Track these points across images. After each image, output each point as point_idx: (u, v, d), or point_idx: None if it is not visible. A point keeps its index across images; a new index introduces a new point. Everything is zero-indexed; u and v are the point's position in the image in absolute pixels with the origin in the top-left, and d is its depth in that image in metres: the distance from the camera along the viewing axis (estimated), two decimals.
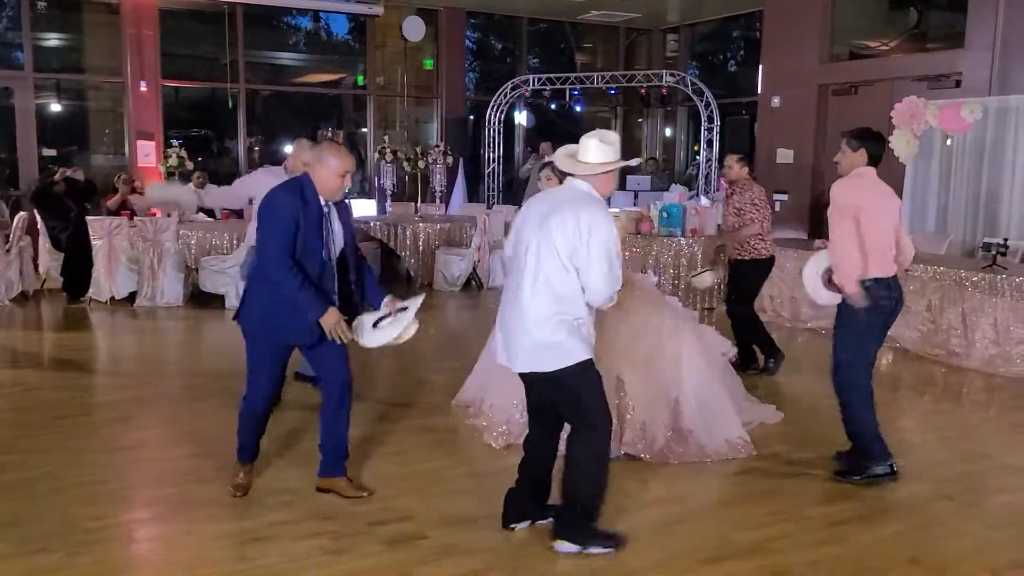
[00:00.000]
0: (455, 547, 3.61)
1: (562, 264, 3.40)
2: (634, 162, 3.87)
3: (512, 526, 3.76)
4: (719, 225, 8.08)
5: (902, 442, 5.08)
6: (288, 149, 14.63)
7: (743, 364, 6.44)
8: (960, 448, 5.07)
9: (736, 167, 6.54)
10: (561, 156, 3.62)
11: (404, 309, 3.92)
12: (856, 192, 4.34)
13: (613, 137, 3.58)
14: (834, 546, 3.70)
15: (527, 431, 3.84)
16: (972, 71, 9.45)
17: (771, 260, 6.58)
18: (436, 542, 3.65)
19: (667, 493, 4.28)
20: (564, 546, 3.58)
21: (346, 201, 4.02)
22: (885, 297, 4.32)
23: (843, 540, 3.75)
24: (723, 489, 4.32)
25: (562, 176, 3.79)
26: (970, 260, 7.91)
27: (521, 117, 14.56)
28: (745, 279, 6.59)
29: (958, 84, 9.59)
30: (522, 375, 3.63)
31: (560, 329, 3.42)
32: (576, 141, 3.63)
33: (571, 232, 3.38)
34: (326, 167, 3.78)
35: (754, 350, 6.65)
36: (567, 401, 3.54)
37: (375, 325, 3.91)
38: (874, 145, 4.48)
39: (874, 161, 4.48)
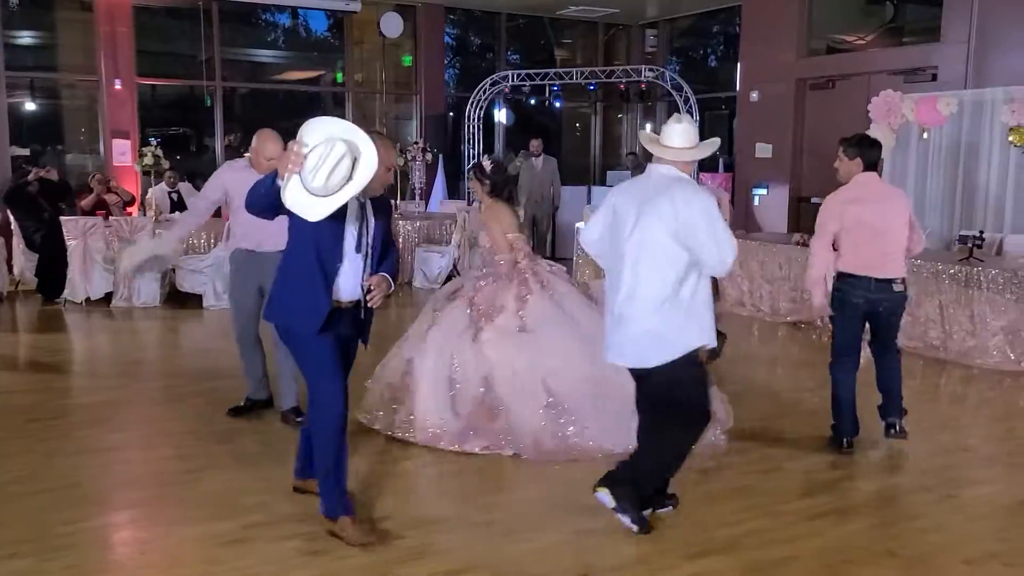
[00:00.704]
0: (432, 547, 3.59)
1: (671, 251, 3.44)
2: (715, 143, 3.82)
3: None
4: None
5: (879, 434, 5.10)
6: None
7: None
8: (938, 440, 5.10)
9: None
10: (648, 141, 3.67)
11: None
12: (837, 207, 4.67)
13: (691, 120, 3.69)
14: (811, 540, 3.70)
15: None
16: (948, 65, 9.51)
17: None
18: (414, 542, 3.62)
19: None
20: (604, 496, 3.65)
21: (385, 195, 3.76)
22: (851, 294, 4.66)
23: (820, 534, 3.76)
24: (701, 485, 4.32)
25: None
26: (947, 253, 7.96)
27: (501, 115, 14.53)
28: None
29: (934, 78, 9.65)
30: (633, 368, 3.66)
31: (675, 316, 3.48)
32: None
33: (671, 214, 3.44)
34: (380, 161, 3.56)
35: None
36: (674, 390, 3.58)
37: None
38: (869, 152, 4.71)
39: (871, 167, 4.70)
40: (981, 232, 7.42)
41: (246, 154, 5.08)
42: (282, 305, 3.59)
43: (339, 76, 14.25)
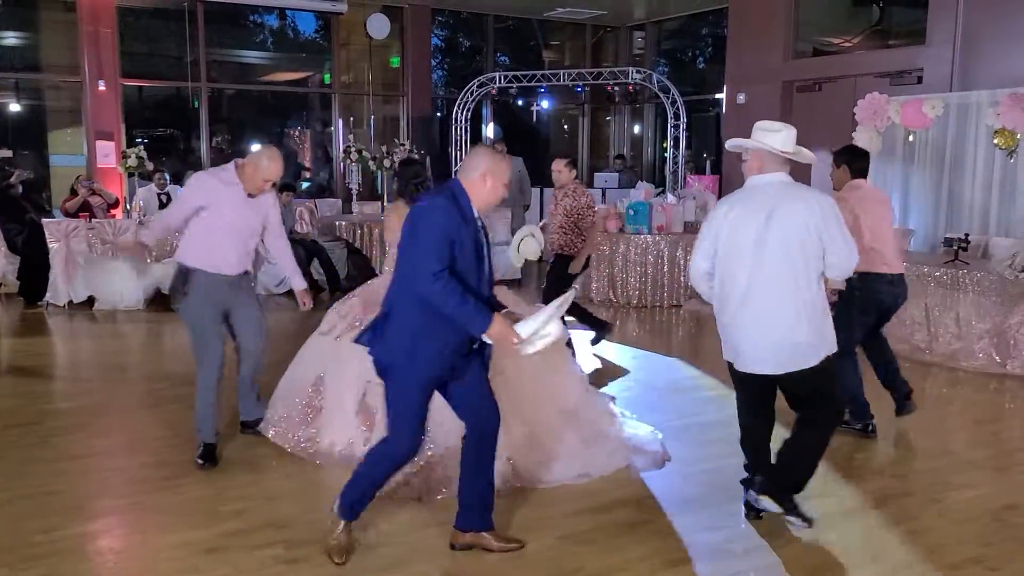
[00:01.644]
0: (413, 555, 3.55)
1: (810, 251, 3.48)
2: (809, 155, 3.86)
3: (761, 514, 3.85)
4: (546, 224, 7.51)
5: (865, 437, 5.09)
6: (256, 147, 14.62)
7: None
8: (922, 444, 5.09)
9: (565, 171, 6.72)
10: (759, 148, 3.65)
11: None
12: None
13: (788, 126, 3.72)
14: (794, 546, 3.68)
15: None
16: (933, 67, 9.54)
17: (588, 258, 6.92)
18: (394, 550, 3.58)
19: (630, 493, 4.24)
20: (769, 504, 3.76)
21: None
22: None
23: (804, 539, 3.73)
24: (683, 491, 4.29)
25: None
26: (932, 255, 7.97)
27: (488, 129, 14.49)
28: (563, 270, 6.72)
29: (920, 80, 9.68)
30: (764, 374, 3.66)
31: (815, 320, 3.53)
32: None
33: (803, 220, 3.47)
34: (498, 176, 3.29)
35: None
36: (819, 390, 3.64)
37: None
38: (853, 159, 5.00)
39: (859, 174, 4.99)
40: (967, 235, 7.43)
41: (239, 161, 4.49)
42: (403, 346, 3.25)
43: (327, 77, 14.21)
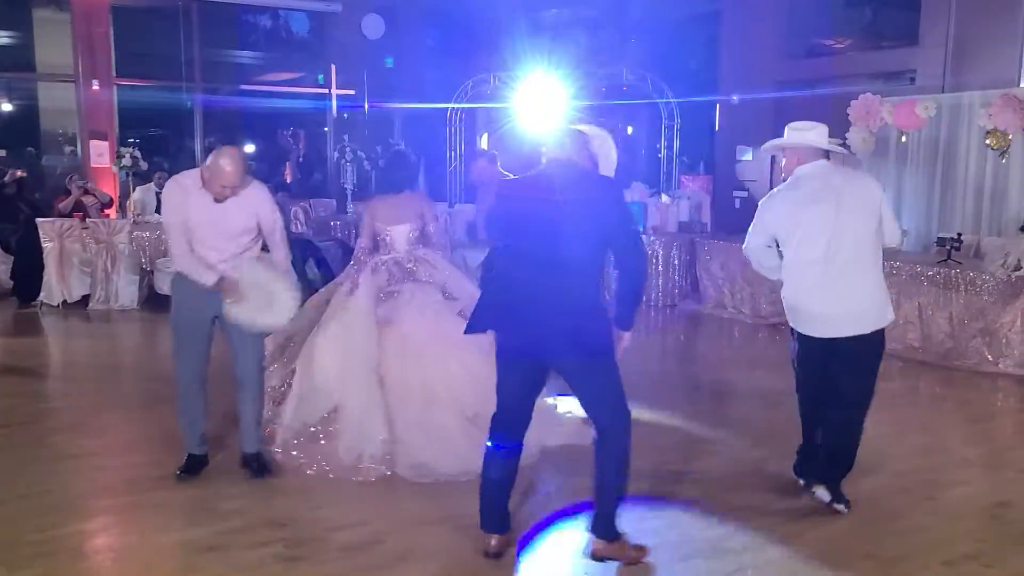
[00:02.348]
0: (412, 551, 3.56)
1: (874, 227, 3.90)
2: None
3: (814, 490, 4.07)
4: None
5: None
6: (249, 148, 14.60)
7: None
8: (916, 442, 5.12)
9: (488, 166, 6.65)
10: (814, 142, 4.00)
11: None
12: None
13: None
14: (790, 542, 3.70)
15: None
16: (926, 68, 9.58)
17: None
18: (393, 546, 3.59)
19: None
20: (824, 493, 3.98)
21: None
22: None
23: (799, 536, 3.76)
24: (681, 487, 4.31)
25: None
26: (925, 255, 8.01)
27: (483, 140, 14.47)
28: None
29: (912, 81, 9.72)
30: (834, 341, 3.90)
31: (880, 286, 3.95)
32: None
33: (869, 199, 3.92)
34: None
35: None
36: (871, 363, 3.95)
37: None
38: None
39: None
40: (959, 234, 7.47)
41: (203, 166, 4.20)
42: (604, 328, 3.36)
43: (320, 78, 14.19)
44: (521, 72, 13.17)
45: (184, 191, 4.16)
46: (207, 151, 12.86)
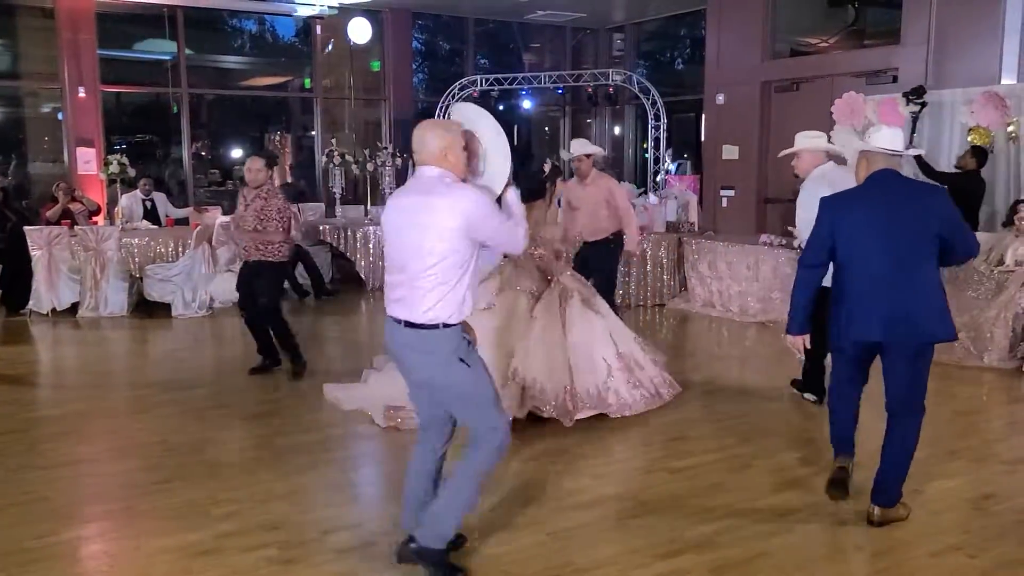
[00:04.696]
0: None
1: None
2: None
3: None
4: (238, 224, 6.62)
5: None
6: (237, 153, 14.57)
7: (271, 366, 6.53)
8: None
9: (263, 172, 6.35)
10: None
11: None
12: None
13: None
14: (782, 537, 3.75)
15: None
16: (908, 66, 9.68)
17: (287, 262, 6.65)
18: (387, 549, 3.61)
19: (618, 489, 4.30)
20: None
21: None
22: None
23: (790, 531, 3.81)
24: (673, 483, 4.36)
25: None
26: None
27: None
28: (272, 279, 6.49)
29: (895, 79, 9.81)
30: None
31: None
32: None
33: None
34: None
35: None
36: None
37: None
38: None
39: None
40: None
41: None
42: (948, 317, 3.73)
43: (307, 82, 14.19)
44: (507, 74, 13.23)
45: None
46: (195, 156, 12.84)
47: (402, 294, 3.24)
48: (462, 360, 3.23)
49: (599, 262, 6.98)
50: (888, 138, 3.86)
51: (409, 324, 3.21)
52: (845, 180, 4.52)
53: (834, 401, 4.17)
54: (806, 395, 5.75)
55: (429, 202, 3.16)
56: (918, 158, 7.95)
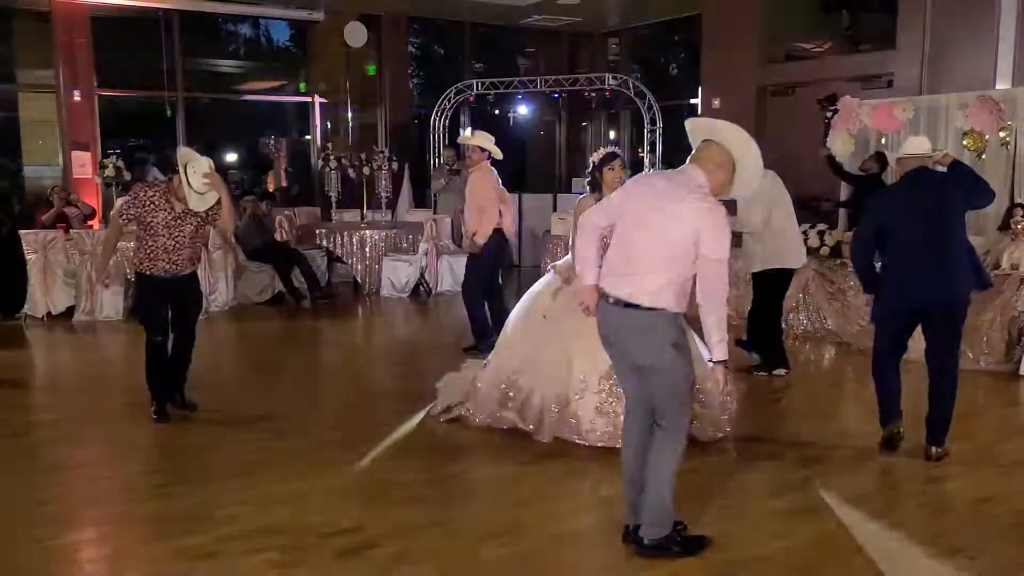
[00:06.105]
0: (408, 555, 3.58)
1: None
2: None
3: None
4: None
5: (845, 432, 5.20)
6: (231, 158, 14.56)
7: None
8: (904, 438, 5.18)
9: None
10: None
11: None
12: None
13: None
14: (782, 540, 3.76)
15: None
16: (903, 71, 9.72)
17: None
18: (389, 551, 3.62)
19: (617, 492, 4.30)
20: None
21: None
22: None
23: (790, 534, 3.82)
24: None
25: None
26: None
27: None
28: None
29: (890, 84, 9.86)
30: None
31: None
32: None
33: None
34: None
35: None
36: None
37: None
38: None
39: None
40: None
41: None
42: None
43: (302, 86, 14.19)
44: (504, 79, 13.24)
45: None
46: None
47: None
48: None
49: None
50: (914, 145, 4.83)
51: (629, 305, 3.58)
52: None
53: (880, 372, 4.86)
54: (775, 371, 6.53)
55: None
56: (829, 159, 8.80)
